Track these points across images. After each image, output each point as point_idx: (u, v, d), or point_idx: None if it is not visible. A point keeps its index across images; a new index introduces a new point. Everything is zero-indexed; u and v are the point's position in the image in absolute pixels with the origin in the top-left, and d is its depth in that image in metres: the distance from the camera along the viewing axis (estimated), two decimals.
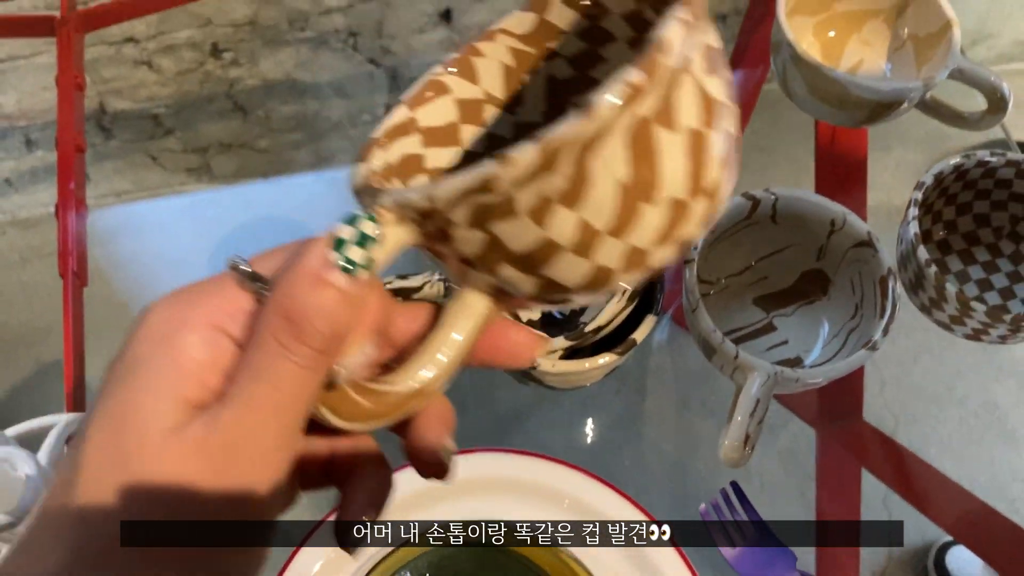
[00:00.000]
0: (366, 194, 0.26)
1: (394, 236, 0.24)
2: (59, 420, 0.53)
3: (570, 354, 0.53)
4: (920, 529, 0.94)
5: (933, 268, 0.53)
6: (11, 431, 0.52)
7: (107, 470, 0.21)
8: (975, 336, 0.55)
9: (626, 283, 0.26)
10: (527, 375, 0.53)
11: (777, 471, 0.79)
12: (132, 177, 1.33)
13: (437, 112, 0.30)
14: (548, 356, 0.52)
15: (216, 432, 0.22)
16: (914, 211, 0.55)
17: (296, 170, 1.39)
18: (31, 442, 0.52)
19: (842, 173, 0.80)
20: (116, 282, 1.05)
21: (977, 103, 0.61)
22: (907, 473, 0.77)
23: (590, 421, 0.78)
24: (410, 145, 0.30)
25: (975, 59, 1.55)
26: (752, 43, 0.91)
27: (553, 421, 0.78)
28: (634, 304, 0.52)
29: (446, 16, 1.22)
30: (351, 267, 0.23)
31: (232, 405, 0.22)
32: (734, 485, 0.54)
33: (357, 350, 0.25)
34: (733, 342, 0.51)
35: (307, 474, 0.27)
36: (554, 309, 0.28)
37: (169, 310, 0.23)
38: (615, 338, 0.53)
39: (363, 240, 0.23)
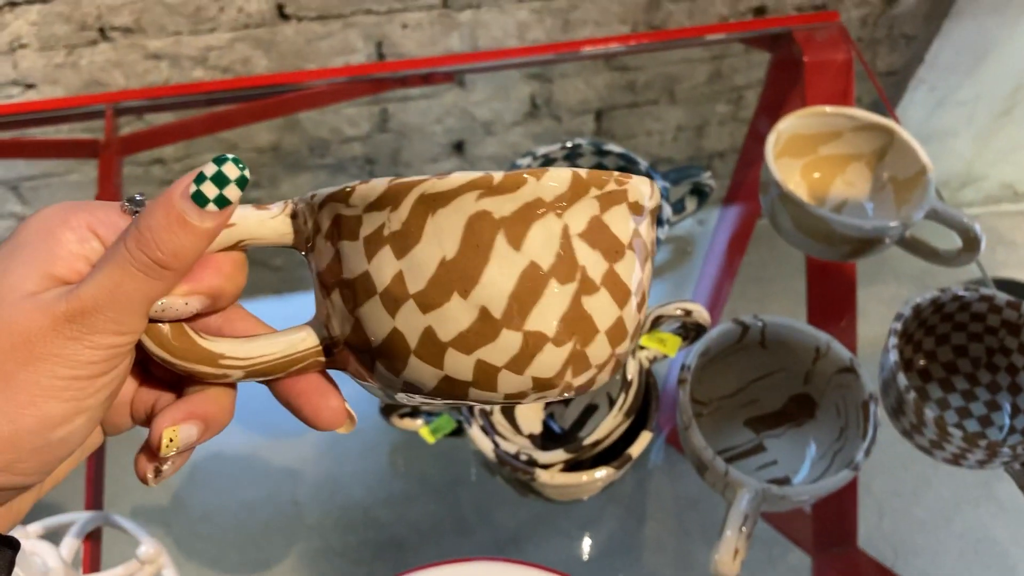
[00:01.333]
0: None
1: (280, 224, 0.28)
2: (79, 518, 0.56)
3: (570, 467, 0.56)
4: None
5: (912, 394, 0.56)
6: (33, 527, 0.54)
7: None
8: (954, 460, 0.57)
9: (413, 376, 0.26)
10: (528, 487, 0.56)
11: None
12: None
13: None
14: (548, 469, 0.54)
15: (64, 302, 0.25)
16: (893, 340, 0.58)
17: (307, 288, 1.43)
18: (50, 538, 0.54)
19: (832, 304, 0.84)
20: None
21: (956, 241, 0.66)
22: None
23: (590, 543, 0.79)
24: None
25: (963, 201, 1.62)
26: (747, 181, 0.97)
27: (552, 542, 0.79)
28: (631, 420, 0.55)
29: (458, 147, 1.28)
30: (203, 201, 0.26)
31: (83, 286, 0.26)
32: None
33: (183, 297, 0.27)
34: (724, 461, 0.54)
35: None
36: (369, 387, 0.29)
37: (56, 211, 0.27)
38: (612, 453, 0.56)
39: (220, 179, 0.26)
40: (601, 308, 0.26)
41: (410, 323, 0.25)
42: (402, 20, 1.09)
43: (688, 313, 0.54)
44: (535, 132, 1.30)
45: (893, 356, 0.58)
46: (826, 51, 0.84)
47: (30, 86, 1.04)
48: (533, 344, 0.25)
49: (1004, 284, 1.30)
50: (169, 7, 1.00)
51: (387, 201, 0.25)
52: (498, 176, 0.24)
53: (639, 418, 0.56)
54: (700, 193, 0.70)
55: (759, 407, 0.64)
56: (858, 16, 1.24)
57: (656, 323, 0.55)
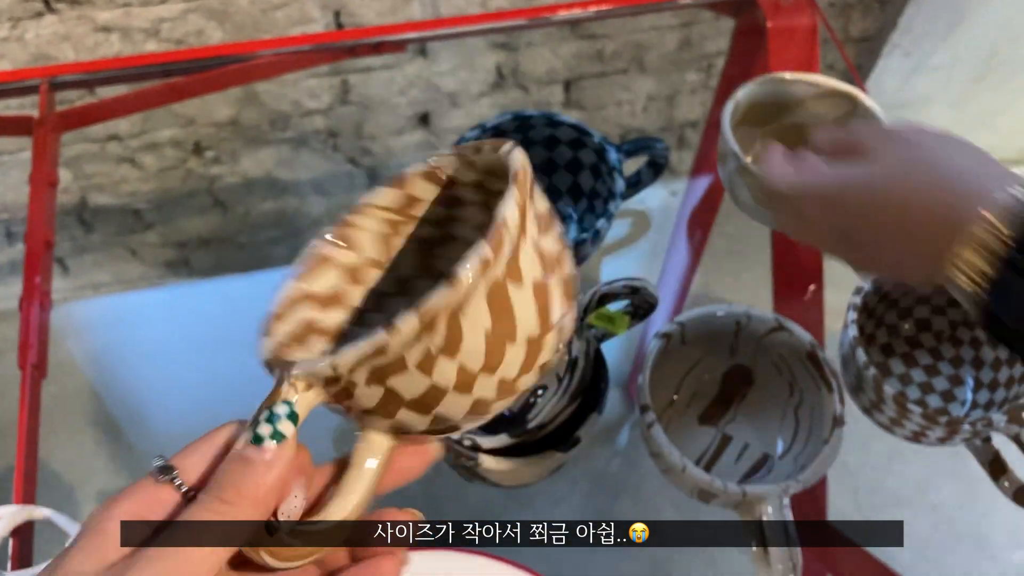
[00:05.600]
0: (276, 365, 0.30)
1: (305, 401, 0.29)
2: (5, 511, 0.53)
3: (517, 452, 0.54)
4: None
5: (872, 371, 0.54)
6: None
7: None
8: (915, 438, 0.56)
9: (501, 408, 0.31)
10: (472, 472, 0.54)
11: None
12: (111, 270, 1.34)
13: (324, 280, 0.36)
14: (492, 454, 0.52)
15: (141, 562, 0.26)
16: (852, 315, 0.57)
17: (273, 265, 1.40)
18: None
19: (798, 277, 0.82)
20: (89, 375, 1.04)
21: None
22: None
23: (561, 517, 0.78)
24: (305, 312, 0.35)
25: None
26: (714, 151, 0.94)
27: (519, 517, 0.77)
28: (578, 402, 0.53)
29: (424, 120, 1.26)
30: (262, 440, 0.28)
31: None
32: None
33: (292, 497, 0.29)
34: (704, 470, 0.52)
35: None
36: (448, 435, 0.32)
37: (98, 511, 0.28)
38: (561, 435, 0.54)
39: (272, 418, 0.28)
40: (567, 262, 0.32)
41: (486, 387, 0.29)
42: None
43: (635, 291, 0.52)
44: (502, 103, 1.27)
45: (852, 331, 0.56)
46: (790, 17, 0.81)
47: None
48: (560, 325, 0.31)
49: None
50: None
51: (422, 332, 0.27)
52: (487, 251, 0.27)
53: (588, 399, 0.54)
54: (655, 165, 0.67)
55: (701, 399, 0.62)
56: None
57: (603, 300, 0.52)
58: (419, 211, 0.38)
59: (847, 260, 0.45)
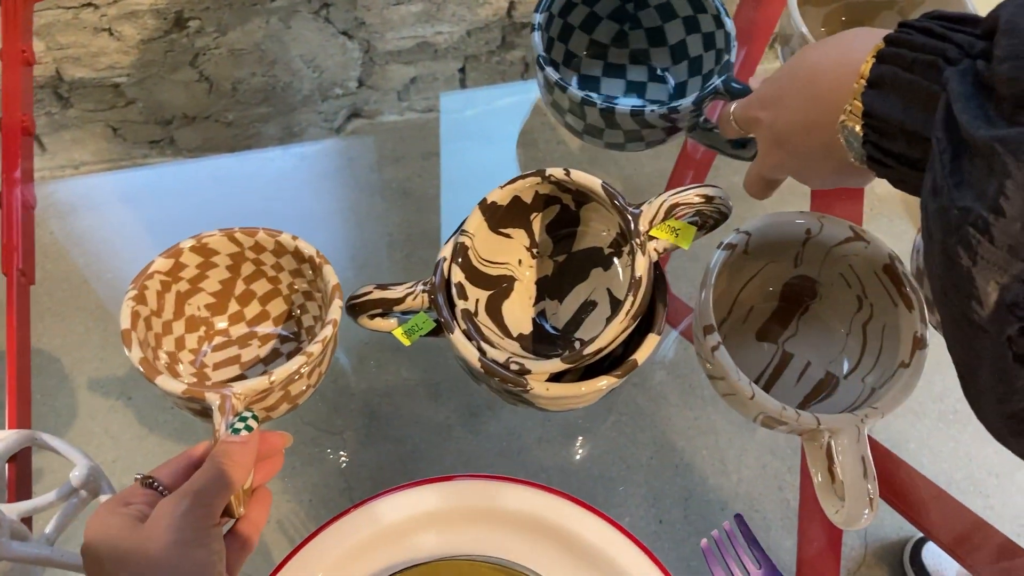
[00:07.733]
0: (208, 391, 0.48)
1: (244, 405, 0.49)
2: (1, 437, 0.48)
3: (567, 376, 0.49)
4: (896, 524, 0.93)
5: None
6: None
7: None
8: None
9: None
10: (519, 397, 0.49)
11: (755, 466, 0.77)
12: (91, 148, 1.27)
13: (140, 331, 0.53)
14: (539, 379, 0.47)
15: (175, 496, 0.40)
16: None
17: (264, 144, 1.33)
18: None
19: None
20: (72, 259, 0.99)
21: None
22: (884, 470, 0.75)
23: (568, 415, 0.74)
24: (150, 354, 0.53)
25: None
26: (757, 24, 0.86)
27: (528, 413, 0.74)
28: (635, 323, 0.48)
29: None
30: (239, 431, 0.45)
31: (174, 494, 0.40)
32: (738, 519, 0.51)
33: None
34: (763, 389, 0.47)
35: None
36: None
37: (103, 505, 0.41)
38: (617, 358, 0.49)
39: (243, 419, 0.46)
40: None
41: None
42: None
43: (708, 200, 0.46)
44: None
45: None
46: None
47: None
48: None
49: None
50: None
51: (316, 359, 0.53)
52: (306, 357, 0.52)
53: (644, 321, 0.49)
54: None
55: (760, 313, 0.57)
56: None
57: (671, 211, 0.46)
58: (184, 274, 0.57)
59: (782, 162, 0.47)
